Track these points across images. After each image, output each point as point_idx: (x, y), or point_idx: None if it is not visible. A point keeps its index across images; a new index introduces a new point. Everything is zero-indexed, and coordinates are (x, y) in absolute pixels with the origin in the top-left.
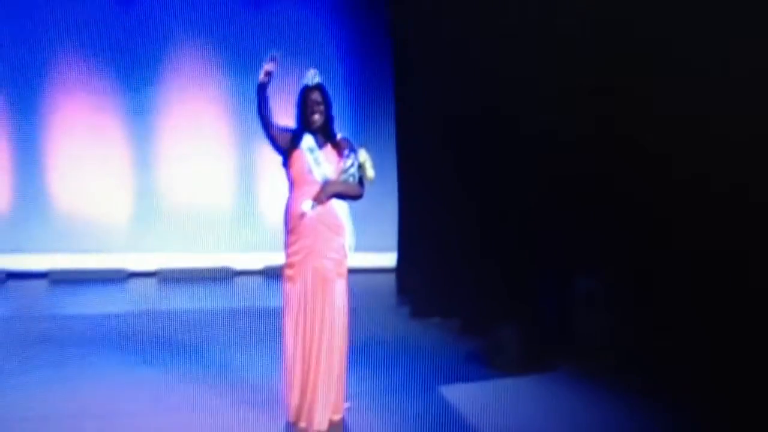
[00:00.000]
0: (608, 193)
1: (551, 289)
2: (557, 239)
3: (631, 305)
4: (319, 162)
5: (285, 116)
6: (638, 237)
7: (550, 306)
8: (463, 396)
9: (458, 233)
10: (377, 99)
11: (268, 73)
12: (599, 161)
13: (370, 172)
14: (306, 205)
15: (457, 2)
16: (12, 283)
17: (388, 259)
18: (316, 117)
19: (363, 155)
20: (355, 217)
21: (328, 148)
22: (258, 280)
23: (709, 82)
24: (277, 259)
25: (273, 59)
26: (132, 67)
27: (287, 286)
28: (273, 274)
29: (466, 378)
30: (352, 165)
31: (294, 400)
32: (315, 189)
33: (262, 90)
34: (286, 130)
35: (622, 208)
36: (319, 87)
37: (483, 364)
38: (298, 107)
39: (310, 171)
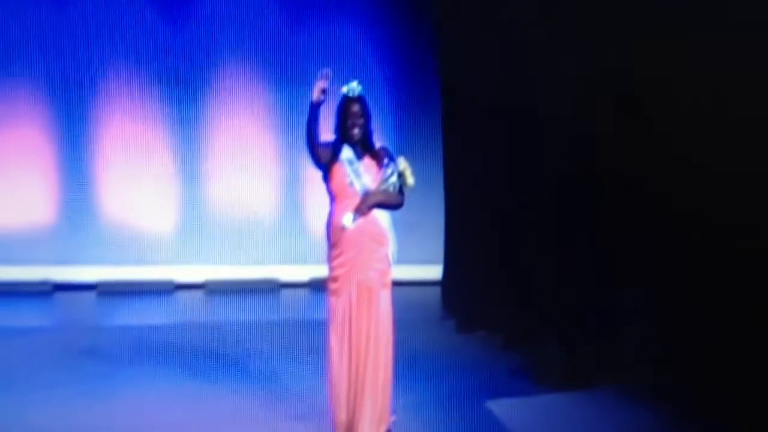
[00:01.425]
0: (660, 208)
1: (598, 305)
2: (605, 254)
3: (678, 321)
4: (359, 174)
5: (324, 129)
6: (687, 251)
7: (596, 322)
8: (507, 411)
9: (505, 246)
10: (423, 106)
11: (323, 91)
12: (655, 176)
13: (410, 180)
14: (347, 218)
15: (506, 6)
16: (59, 295)
17: (434, 271)
18: (356, 131)
19: (402, 163)
20: (400, 229)
21: (368, 158)
22: (304, 292)
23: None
24: (323, 271)
25: (325, 76)
26: (180, 80)
27: (332, 299)
28: (319, 287)
29: (511, 393)
30: (392, 174)
31: (340, 413)
32: (356, 201)
33: (315, 109)
34: (325, 144)
35: (674, 223)
36: (359, 99)
37: (528, 379)
38: (337, 118)
39: (351, 184)
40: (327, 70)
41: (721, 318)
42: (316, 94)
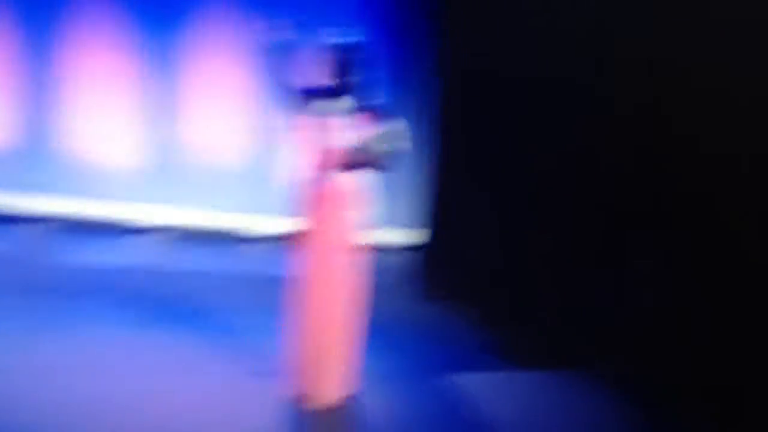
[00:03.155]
0: (654, 186)
1: (582, 284)
2: (596, 231)
3: (662, 307)
4: (345, 127)
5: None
6: (684, 235)
7: (577, 303)
8: (474, 386)
9: (487, 216)
10: (418, 63)
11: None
12: (653, 147)
13: (403, 143)
14: (326, 173)
15: None
16: (9, 226)
17: (412, 236)
18: (349, 78)
19: (396, 124)
20: (384, 189)
21: (360, 113)
22: (270, 246)
23: None
24: (293, 225)
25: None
26: (156, 5)
27: (299, 255)
28: (286, 241)
29: (480, 368)
30: (382, 133)
31: (302, 374)
32: (336, 156)
33: (278, 52)
34: (314, 91)
35: (676, 205)
36: (354, 46)
37: (499, 356)
38: (333, 65)
39: (335, 136)
40: (302, 17)
41: (706, 303)
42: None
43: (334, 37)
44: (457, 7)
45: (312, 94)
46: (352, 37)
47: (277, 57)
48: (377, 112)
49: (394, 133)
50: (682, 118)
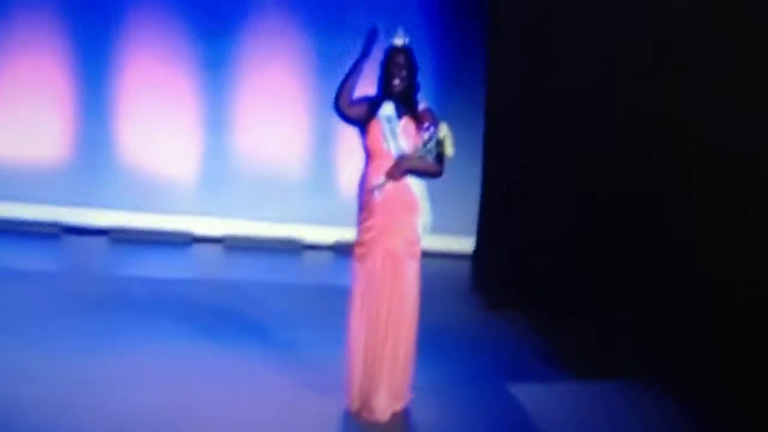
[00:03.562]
0: (707, 199)
1: (645, 292)
2: (656, 235)
3: (719, 317)
4: (396, 134)
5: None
6: (733, 244)
7: (636, 310)
8: (530, 396)
9: (543, 221)
10: (467, 68)
11: (369, 48)
12: (702, 165)
13: (449, 149)
14: (377, 180)
15: None
16: (68, 239)
17: (466, 243)
18: (396, 82)
19: (444, 130)
20: (433, 197)
21: (407, 119)
22: (328, 255)
23: None
24: (350, 234)
25: (375, 32)
26: (213, 18)
27: (356, 264)
28: (344, 251)
29: (536, 377)
30: (430, 139)
31: (355, 385)
32: (390, 163)
33: (358, 64)
34: (363, 99)
35: (719, 216)
36: (404, 49)
37: (555, 364)
38: (380, 69)
39: (386, 143)
40: (376, 28)
41: (759, 315)
42: (364, 51)
43: (385, 40)
44: (507, 12)
45: (368, 99)
46: (402, 40)
47: (358, 65)
48: (426, 117)
49: (442, 138)
50: (723, 141)
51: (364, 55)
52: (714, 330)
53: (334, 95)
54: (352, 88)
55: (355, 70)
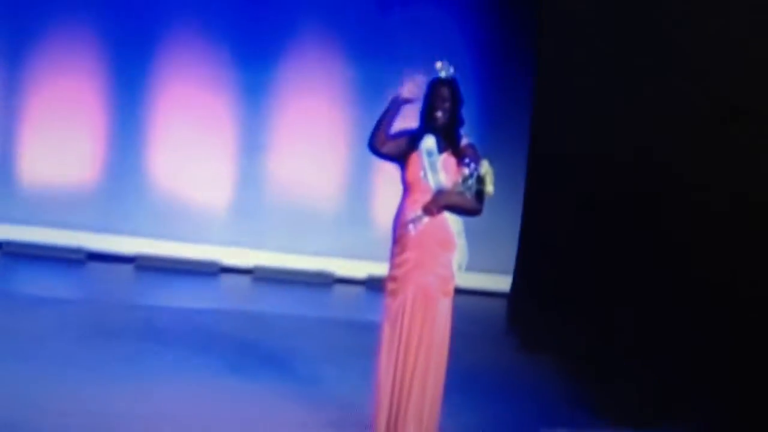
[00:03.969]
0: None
1: (681, 339)
2: (702, 281)
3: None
4: (436, 168)
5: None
6: None
7: (678, 358)
8: None
9: (584, 263)
10: (512, 104)
11: (410, 95)
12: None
13: (489, 187)
14: (414, 214)
15: (613, 8)
16: (93, 265)
17: (502, 282)
18: (439, 114)
19: (485, 167)
20: (471, 233)
21: (449, 153)
22: (359, 290)
23: None
24: (382, 269)
25: (417, 82)
26: (251, 44)
27: (388, 300)
28: (376, 286)
29: (571, 423)
30: (470, 176)
31: (381, 423)
32: (427, 197)
33: (396, 105)
34: (402, 133)
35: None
36: (449, 82)
37: (590, 412)
38: (423, 101)
39: (424, 177)
40: (421, 77)
41: None
42: (405, 92)
43: (429, 72)
44: (554, 50)
45: (408, 133)
46: (447, 72)
47: (396, 107)
48: (468, 153)
49: (483, 176)
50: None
51: (405, 100)
52: (751, 378)
53: (369, 134)
54: (388, 126)
55: (389, 111)
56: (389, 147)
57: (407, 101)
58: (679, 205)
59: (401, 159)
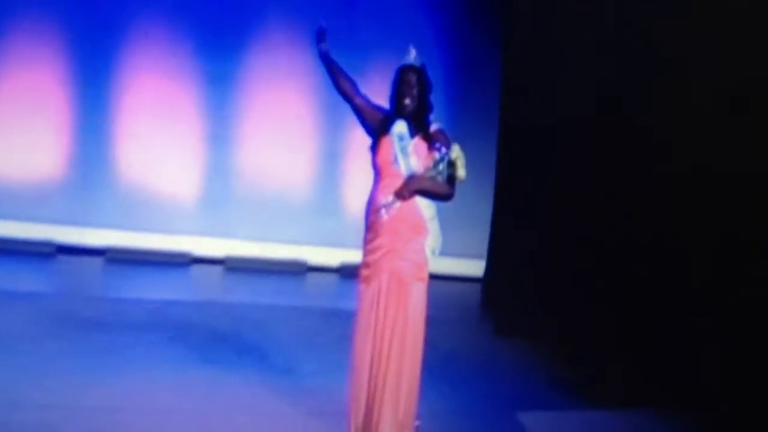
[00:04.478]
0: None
1: (668, 321)
2: (675, 263)
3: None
4: (407, 152)
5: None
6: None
7: (653, 338)
8: (539, 423)
9: (557, 245)
10: (481, 90)
11: (321, 37)
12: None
13: (461, 171)
14: (385, 199)
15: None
16: (63, 258)
17: (476, 267)
18: (407, 101)
19: (456, 152)
20: (444, 218)
21: (419, 138)
22: (333, 278)
23: None
24: (356, 256)
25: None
26: (216, 34)
27: (362, 286)
28: (350, 273)
29: (546, 405)
30: (441, 160)
31: (357, 411)
32: (399, 182)
33: (324, 58)
34: (378, 108)
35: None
36: (415, 68)
37: (565, 391)
38: (391, 87)
39: (395, 161)
40: (322, 22)
41: None
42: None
43: (404, 56)
44: (522, 34)
45: (388, 115)
46: (413, 59)
47: (328, 61)
48: (439, 138)
49: (454, 160)
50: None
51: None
52: (730, 357)
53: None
54: (346, 82)
55: (327, 64)
56: (362, 105)
57: (325, 47)
58: (656, 184)
59: (374, 139)
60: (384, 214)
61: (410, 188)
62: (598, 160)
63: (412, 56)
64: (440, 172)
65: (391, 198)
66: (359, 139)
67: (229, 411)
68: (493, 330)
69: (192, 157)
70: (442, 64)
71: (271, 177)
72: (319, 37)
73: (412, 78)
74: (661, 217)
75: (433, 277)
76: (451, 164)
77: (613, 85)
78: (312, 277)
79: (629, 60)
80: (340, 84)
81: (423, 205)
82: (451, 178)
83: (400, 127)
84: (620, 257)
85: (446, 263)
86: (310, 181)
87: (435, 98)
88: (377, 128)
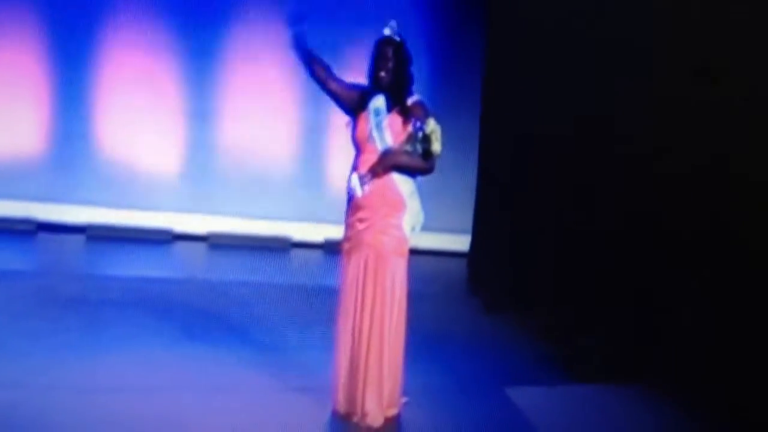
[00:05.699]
0: (718, 201)
1: (644, 293)
2: (657, 236)
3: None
4: (382, 127)
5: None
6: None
7: (639, 312)
8: (529, 400)
9: (544, 220)
10: (464, 63)
11: (299, 18)
12: (700, 160)
13: (436, 146)
14: (356, 177)
15: None
16: (43, 236)
17: (461, 242)
18: (382, 74)
19: (431, 126)
20: (428, 193)
21: (396, 112)
22: (317, 254)
23: None
24: (340, 232)
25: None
26: (196, 7)
27: (344, 260)
28: (334, 249)
29: (536, 382)
30: (416, 135)
31: (343, 387)
32: (375, 158)
33: (299, 42)
34: (354, 87)
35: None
36: (392, 41)
37: (554, 367)
38: (369, 61)
39: (371, 136)
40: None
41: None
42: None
43: (379, 31)
44: (505, 5)
45: (366, 90)
46: (391, 32)
47: (301, 44)
48: (416, 111)
49: (429, 134)
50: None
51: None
52: (716, 333)
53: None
54: (320, 65)
55: (300, 47)
56: (336, 89)
57: (302, 30)
58: (641, 164)
59: (352, 116)
60: (359, 190)
61: (384, 164)
62: (583, 132)
63: (388, 29)
64: (415, 147)
65: (366, 174)
66: (342, 114)
67: (212, 387)
68: (479, 305)
69: (173, 132)
70: (425, 33)
71: (253, 152)
72: (296, 18)
73: (389, 51)
74: (646, 190)
75: (419, 252)
76: (426, 138)
77: (601, 59)
78: (296, 253)
79: (614, 37)
80: (315, 71)
81: (400, 180)
82: (427, 153)
83: (378, 102)
84: (606, 231)
85: (431, 238)
86: (294, 156)
87: (417, 70)
88: (355, 106)
